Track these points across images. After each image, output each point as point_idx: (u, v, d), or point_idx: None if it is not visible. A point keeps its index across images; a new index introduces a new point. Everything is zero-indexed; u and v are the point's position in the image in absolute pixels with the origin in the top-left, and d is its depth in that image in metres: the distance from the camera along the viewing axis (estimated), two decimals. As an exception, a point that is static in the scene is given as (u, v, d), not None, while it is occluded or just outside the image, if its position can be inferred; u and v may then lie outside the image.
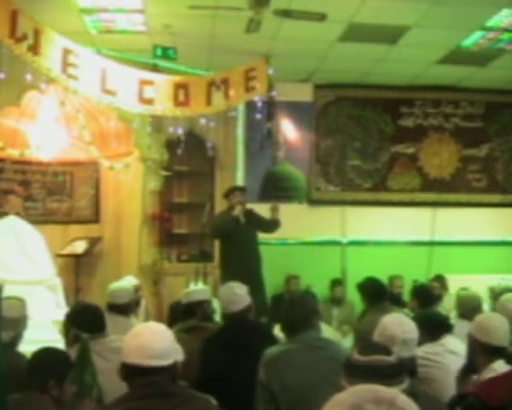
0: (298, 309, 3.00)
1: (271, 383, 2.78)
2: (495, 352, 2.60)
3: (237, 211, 5.92)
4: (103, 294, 4.63)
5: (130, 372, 2.17)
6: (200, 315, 4.08)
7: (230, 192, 6.15)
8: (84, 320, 3.25)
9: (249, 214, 6.07)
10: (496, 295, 5.65)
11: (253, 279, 5.72)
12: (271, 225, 6.13)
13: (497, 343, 2.61)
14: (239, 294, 3.61)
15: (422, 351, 3.29)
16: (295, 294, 3.25)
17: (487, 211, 7.98)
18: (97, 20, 5.84)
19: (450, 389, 2.91)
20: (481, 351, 2.58)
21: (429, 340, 3.32)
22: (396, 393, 1.04)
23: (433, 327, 3.37)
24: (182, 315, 4.16)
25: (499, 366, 2.53)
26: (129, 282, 5.46)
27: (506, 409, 2.12)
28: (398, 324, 2.58)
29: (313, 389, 2.65)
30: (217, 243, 7.25)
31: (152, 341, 2.18)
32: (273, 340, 3.47)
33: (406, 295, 5.92)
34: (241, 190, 6.30)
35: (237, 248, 5.85)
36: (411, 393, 1.89)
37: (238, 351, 3.27)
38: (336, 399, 1.05)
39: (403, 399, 1.03)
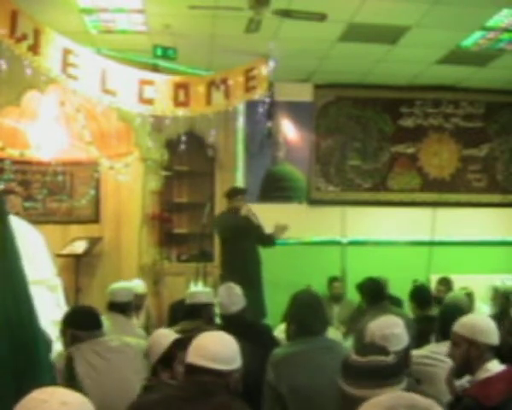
0: (314, 313, 2.98)
1: (279, 384, 2.77)
2: (491, 352, 2.60)
3: (246, 211, 5.89)
4: (103, 294, 4.63)
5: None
6: (205, 318, 4.06)
7: (234, 194, 6.09)
8: (80, 319, 3.27)
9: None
10: (499, 295, 5.64)
11: (253, 282, 5.72)
12: (265, 239, 6.02)
13: (494, 343, 2.62)
14: (239, 294, 3.61)
15: (428, 350, 3.28)
16: (304, 295, 3.21)
17: (487, 211, 7.98)
18: (97, 20, 5.84)
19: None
20: (477, 352, 2.58)
21: (442, 339, 3.30)
22: (432, 403, 1.08)
23: (448, 329, 3.34)
24: (184, 315, 4.14)
25: (493, 366, 2.54)
26: (136, 285, 5.46)
27: (502, 409, 2.12)
28: (378, 321, 2.67)
29: (321, 391, 2.64)
30: (218, 244, 7.27)
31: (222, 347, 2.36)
32: (274, 340, 3.47)
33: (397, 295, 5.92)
34: (244, 192, 6.28)
35: (238, 250, 5.82)
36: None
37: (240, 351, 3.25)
38: (373, 401, 1.11)
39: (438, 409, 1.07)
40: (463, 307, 3.77)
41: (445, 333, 3.28)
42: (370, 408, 1.14)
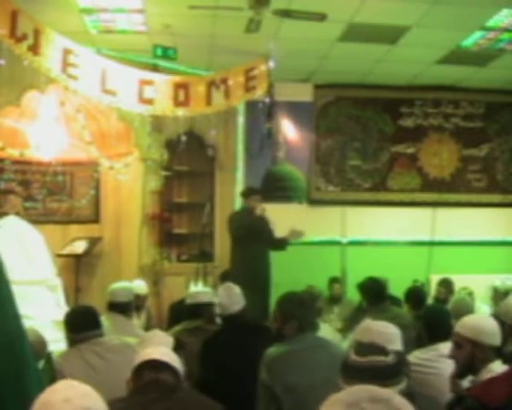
0: (309, 310, 3.00)
1: (273, 384, 2.77)
2: (495, 352, 2.59)
3: (261, 211, 5.84)
4: (103, 294, 4.63)
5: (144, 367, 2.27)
6: (206, 317, 4.06)
7: (249, 193, 6.09)
8: (75, 321, 3.25)
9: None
10: (499, 295, 5.64)
11: (261, 284, 5.67)
12: (277, 241, 5.98)
13: (498, 344, 2.60)
14: (238, 294, 3.62)
15: (414, 356, 3.23)
16: (297, 293, 3.23)
17: (487, 211, 7.98)
18: (97, 20, 5.85)
19: (446, 394, 2.88)
20: (482, 353, 2.56)
21: (429, 343, 3.28)
22: (392, 393, 1.06)
23: (433, 332, 3.33)
24: (186, 315, 4.15)
25: (496, 367, 2.52)
26: (138, 286, 5.45)
27: (504, 409, 2.11)
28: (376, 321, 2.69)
29: (316, 390, 2.64)
30: (218, 244, 7.28)
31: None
32: (273, 339, 3.47)
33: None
34: (260, 193, 6.23)
35: (250, 250, 5.75)
36: (409, 393, 1.89)
37: (241, 351, 3.26)
38: (333, 398, 1.07)
39: (399, 399, 1.05)
40: (447, 310, 3.74)
41: (430, 337, 3.27)
42: (331, 406, 1.09)
